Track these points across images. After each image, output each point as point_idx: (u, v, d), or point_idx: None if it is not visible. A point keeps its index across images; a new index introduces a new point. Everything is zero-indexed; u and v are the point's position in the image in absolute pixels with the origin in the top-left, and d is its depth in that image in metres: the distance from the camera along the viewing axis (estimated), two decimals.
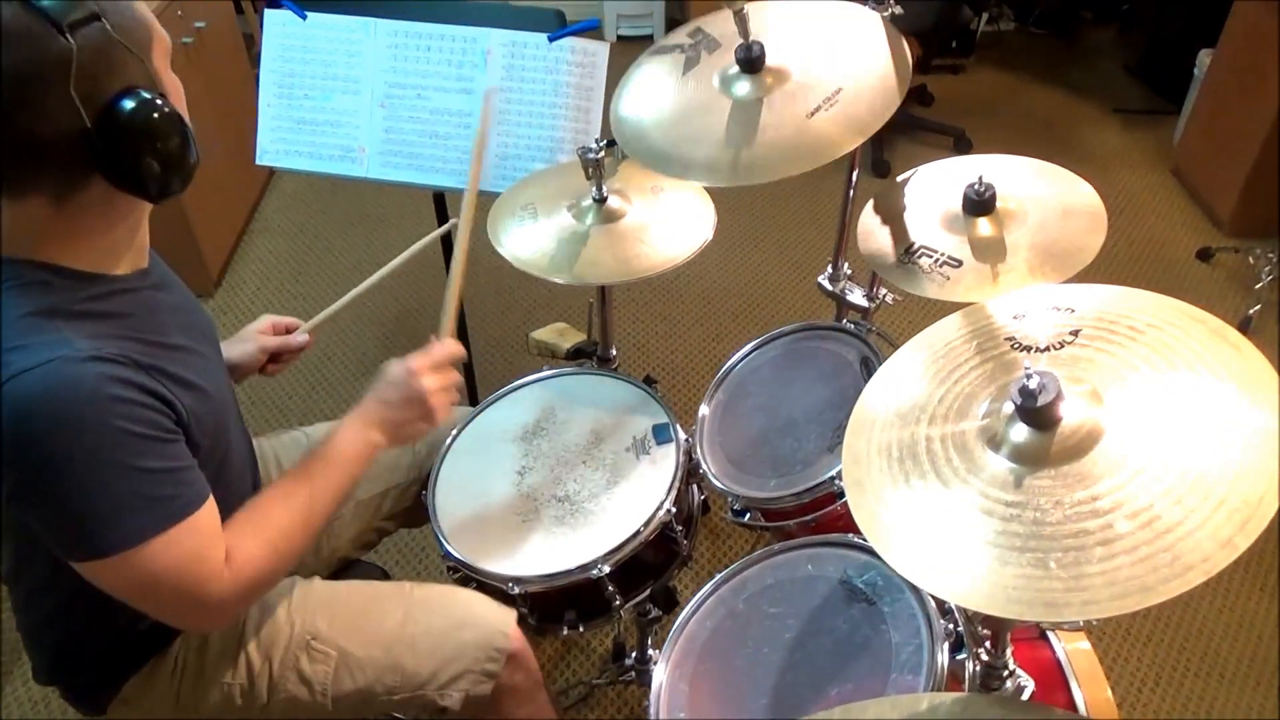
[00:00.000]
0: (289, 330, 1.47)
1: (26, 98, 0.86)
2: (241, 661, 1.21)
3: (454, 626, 1.27)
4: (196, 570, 0.99)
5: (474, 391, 2.34)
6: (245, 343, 1.41)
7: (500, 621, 1.28)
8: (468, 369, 2.31)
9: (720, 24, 1.39)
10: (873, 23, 1.32)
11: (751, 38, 1.27)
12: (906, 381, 0.94)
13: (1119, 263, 2.90)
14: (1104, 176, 3.28)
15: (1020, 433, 0.81)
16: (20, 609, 1.17)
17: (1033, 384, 0.78)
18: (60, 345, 0.92)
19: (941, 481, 0.83)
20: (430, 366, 1.20)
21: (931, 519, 0.81)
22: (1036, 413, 0.78)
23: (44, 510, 0.94)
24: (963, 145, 3.43)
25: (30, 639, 1.20)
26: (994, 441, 0.82)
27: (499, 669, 1.27)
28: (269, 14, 1.83)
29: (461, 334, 2.33)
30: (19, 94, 0.86)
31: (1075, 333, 0.87)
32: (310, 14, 1.81)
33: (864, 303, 1.57)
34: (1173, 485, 0.73)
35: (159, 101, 0.93)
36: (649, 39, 4.28)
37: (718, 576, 1.18)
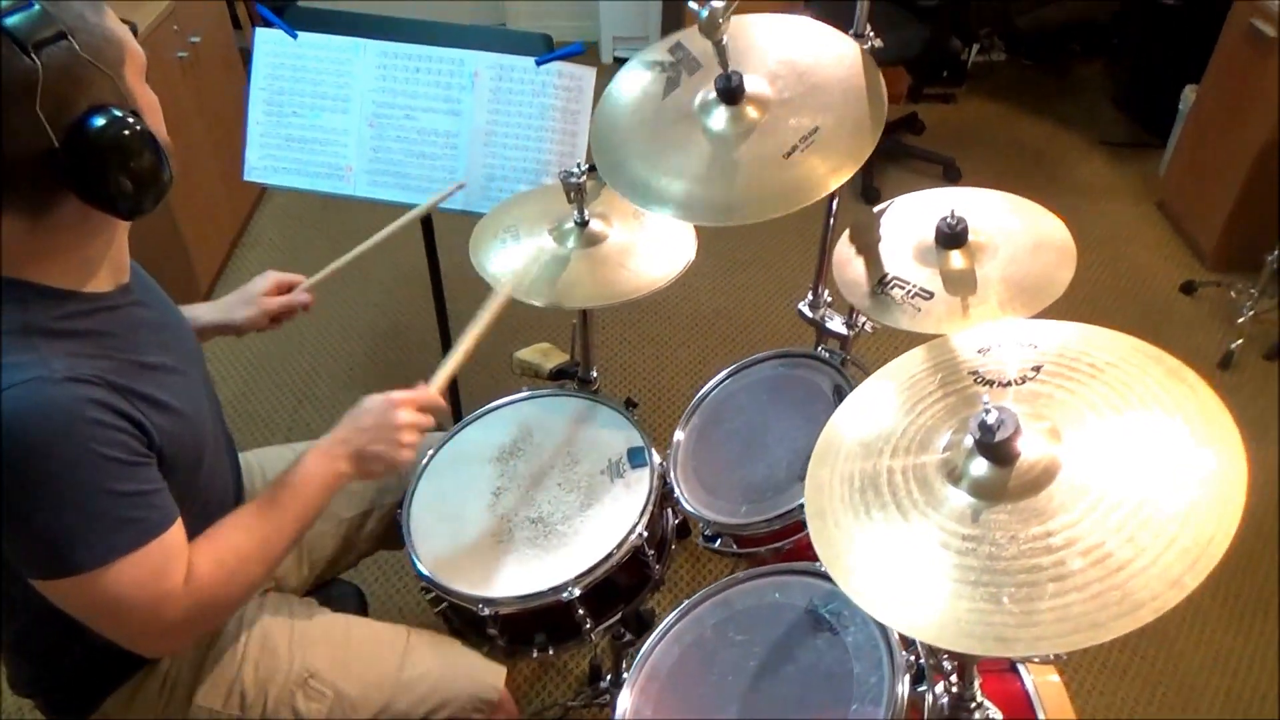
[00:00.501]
0: (290, 287, 1.48)
1: None
2: (236, 691, 1.20)
3: (447, 675, 1.28)
4: (153, 593, 0.99)
5: (458, 409, 2.34)
6: (249, 306, 1.42)
7: (490, 675, 1.30)
8: (452, 386, 2.32)
9: (701, 40, 1.39)
10: (851, 54, 1.34)
11: (731, 67, 1.28)
12: (871, 412, 0.95)
13: (1103, 294, 2.92)
14: (1090, 208, 3.31)
15: (979, 467, 0.81)
16: (3, 619, 1.16)
17: (991, 419, 0.78)
18: (37, 365, 0.92)
19: (901, 513, 0.84)
20: (412, 403, 1.20)
21: (890, 550, 0.82)
22: (994, 448, 0.79)
23: (12, 528, 0.94)
24: (952, 174, 3.47)
25: (9, 649, 1.19)
26: (953, 475, 0.83)
27: (484, 718, 1.30)
28: (260, 32, 1.85)
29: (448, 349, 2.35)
30: None
31: (1037, 369, 0.88)
32: (301, 34, 1.83)
33: (843, 330, 1.59)
34: (1125, 523, 0.74)
35: (129, 119, 0.93)
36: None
37: (685, 602, 1.18)
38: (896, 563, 0.80)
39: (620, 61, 4.45)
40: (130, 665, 1.17)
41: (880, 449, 0.88)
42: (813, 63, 1.33)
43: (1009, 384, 0.87)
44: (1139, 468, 0.77)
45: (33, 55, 0.85)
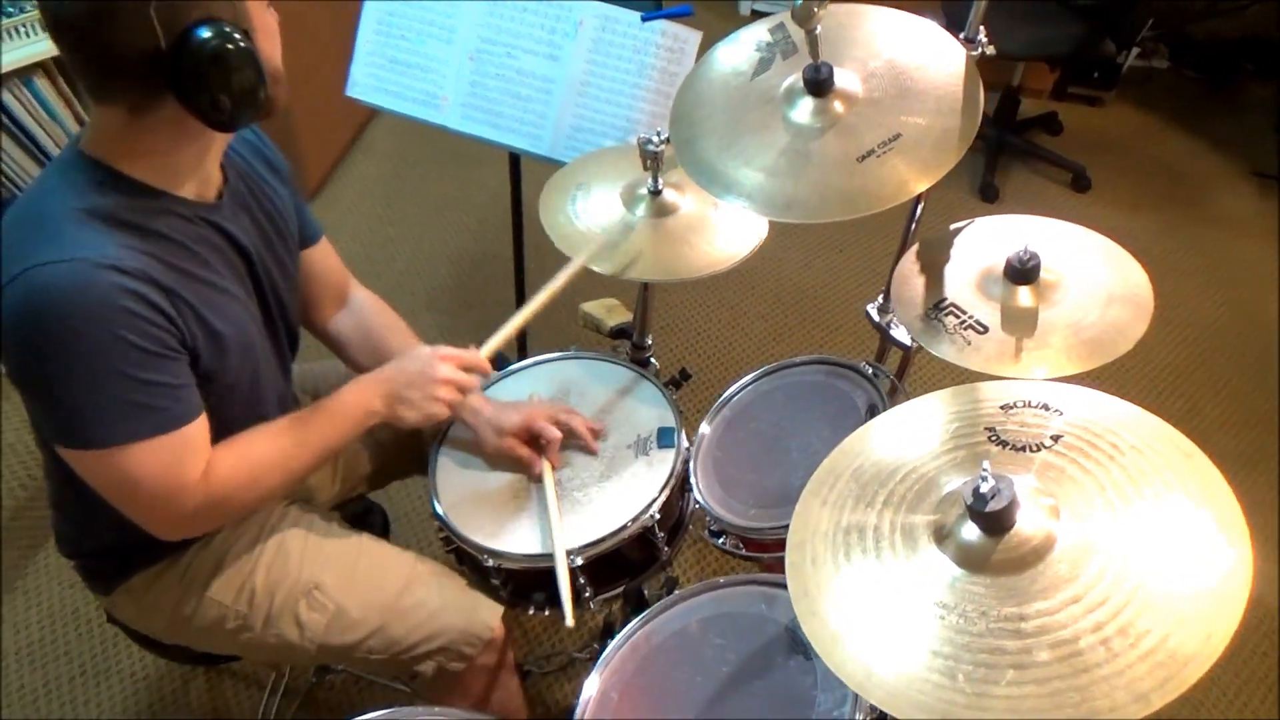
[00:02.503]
0: (537, 437, 1.38)
1: (109, 12, 0.91)
2: (246, 589, 1.26)
3: (444, 607, 1.31)
4: (171, 481, 1.05)
5: (524, 348, 2.37)
6: (499, 436, 1.37)
7: (487, 614, 1.33)
8: None
9: None
10: (956, 59, 1.26)
11: (821, 58, 1.23)
12: (878, 450, 0.91)
13: (1219, 337, 2.73)
14: (1226, 242, 3.08)
15: (968, 532, 0.78)
16: (49, 474, 1.24)
17: (985, 487, 0.75)
18: (88, 246, 0.97)
19: (880, 562, 0.81)
20: (456, 361, 1.23)
21: (858, 598, 0.80)
22: (985, 516, 0.76)
23: (39, 395, 1.01)
24: (1081, 183, 3.26)
25: (55, 508, 1.28)
26: (940, 534, 0.80)
27: (475, 653, 1.33)
28: None
29: (521, 291, 2.37)
30: (102, 8, 0.91)
31: (1056, 438, 0.83)
32: None
33: (906, 342, 1.53)
34: (1103, 623, 0.70)
35: (236, 35, 0.96)
36: None
37: (678, 592, 1.18)
38: (861, 612, 0.78)
39: (758, 15, 4.34)
40: (157, 549, 1.24)
41: (875, 493, 0.86)
42: (915, 65, 1.26)
43: (1023, 448, 0.83)
44: (1131, 569, 0.72)
45: None
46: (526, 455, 1.37)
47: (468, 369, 1.26)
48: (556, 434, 1.37)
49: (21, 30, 2.14)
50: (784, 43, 1.37)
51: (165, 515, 1.09)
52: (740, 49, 1.39)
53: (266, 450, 1.16)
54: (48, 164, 1.08)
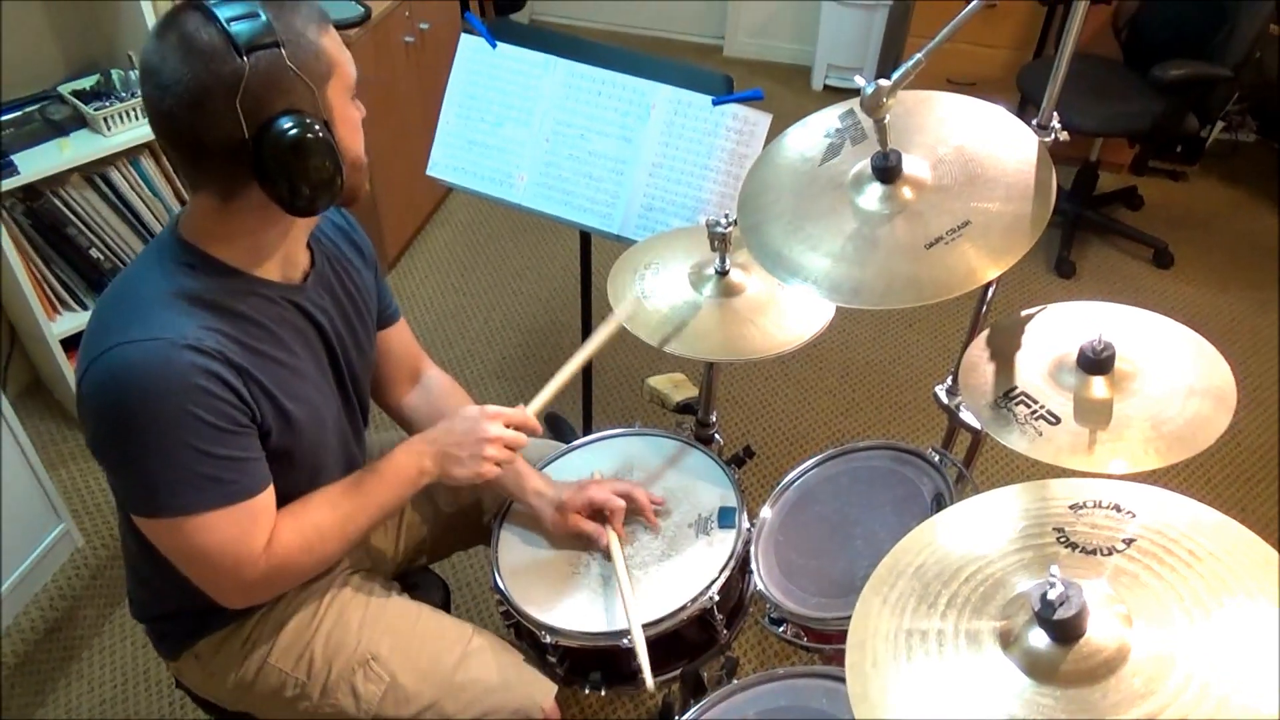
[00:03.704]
0: (601, 510, 1.40)
1: (198, 105, 0.97)
2: (305, 657, 1.29)
3: (497, 685, 1.32)
4: (236, 551, 1.08)
5: (589, 422, 2.39)
6: (557, 511, 1.40)
7: (539, 693, 1.32)
8: (585, 397, 2.37)
9: None
10: (1028, 147, 1.26)
11: (890, 145, 1.24)
12: (942, 547, 0.89)
13: None
14: None
15: (1036, 639, 0.75)
16: (125, 540, 1.28)
17: (1053, 594, 0.72)
18: (170, 326, 1.03)
19: (943, 663, 0.79)
20: (504, 419, 1.25)
21: (921, 704, 0.77)
22: (1054, 624, 0.73)
23: (115, 464, 1.06)
24: (1163, 259, 3.18)
25: (130, 572, 1.33)
26: (1006, 640, 0.77)
27: None
28: (464, 38, 1.95)
29: (588, 363, 2.40)
30: (192, 101, 0.97)
31: (1129, 541, 0.80)
32: (500, 44, 1.91)
33: (975, 425, 1.50)
34: None
35: (315, 126, 1.01)
36: (856, 94, 4.21)
37: (736, 681, 1.16)
38: (924, 714, 0.76)
39: (830, 90, 4.39)
40: (223, 615, 1.27)
41: (939, 592, 0.83)
42: (985, 151, 1.27)
43: (1094, 551, 0.80)
44: (1214, 686, 0.69)
45: (244, 57, 0.96)
46: (591, 529, 1.38)
47: (516, 427, 1.27)
48: (620, 503, 1.38)
49: (131, 114, 2.29)
50: (853, 129, 1.38)
51: (230, 583, 1.12)
52: (809, 134, 1.40)
53: (325, 517, 1.18)
54: (146, 245, 1.14)
